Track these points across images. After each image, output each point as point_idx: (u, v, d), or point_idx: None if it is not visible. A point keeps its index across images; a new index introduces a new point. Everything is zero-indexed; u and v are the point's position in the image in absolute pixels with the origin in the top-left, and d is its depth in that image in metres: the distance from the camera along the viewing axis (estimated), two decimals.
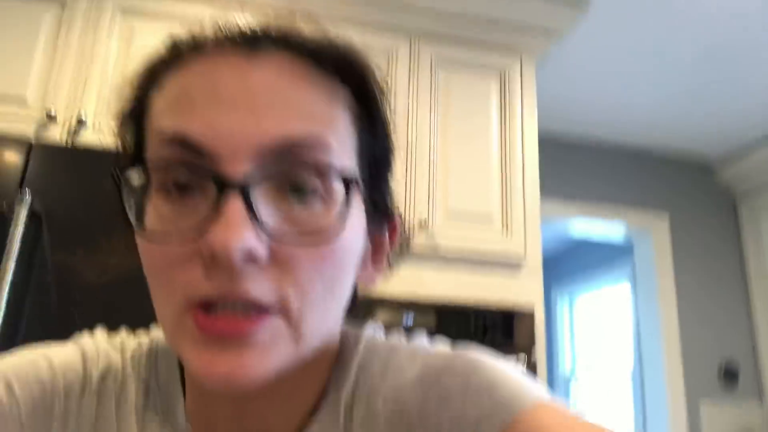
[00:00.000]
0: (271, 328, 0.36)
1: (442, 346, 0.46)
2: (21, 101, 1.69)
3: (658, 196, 3.10)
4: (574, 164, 3.05)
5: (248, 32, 0.41)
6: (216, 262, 0.34)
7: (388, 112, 0.45)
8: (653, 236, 3.03)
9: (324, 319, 0.39)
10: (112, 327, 0.52)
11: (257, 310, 0.35)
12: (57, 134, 1.66)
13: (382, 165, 0.46)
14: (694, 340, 2.93)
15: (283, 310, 0.36)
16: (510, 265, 1.88)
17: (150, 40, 1.79)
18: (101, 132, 1.66)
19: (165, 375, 0.47)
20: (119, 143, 0.45)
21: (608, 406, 3.98)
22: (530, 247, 1.89)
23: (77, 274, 1.33)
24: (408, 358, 0.44)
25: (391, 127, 0.46)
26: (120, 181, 0.38)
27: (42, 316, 1.34)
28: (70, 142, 1.64)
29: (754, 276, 3.00)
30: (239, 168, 0.36)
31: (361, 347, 0.46)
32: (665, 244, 3.03)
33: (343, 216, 0.38)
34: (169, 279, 0.37)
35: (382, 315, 1.71)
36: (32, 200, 1.37)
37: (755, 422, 2.85)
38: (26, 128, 1.65)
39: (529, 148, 2.00)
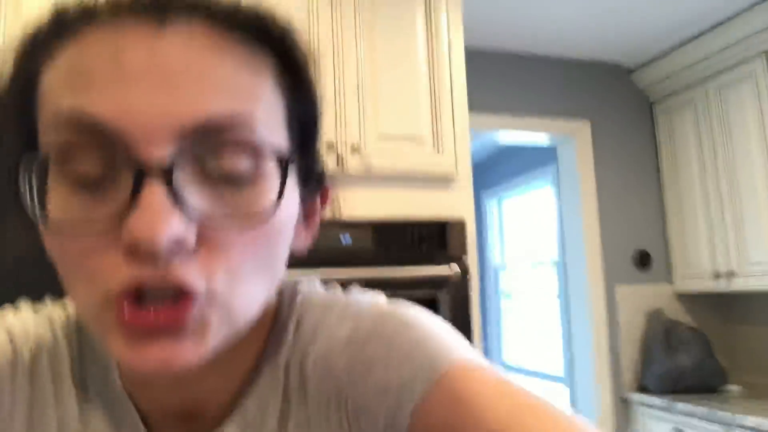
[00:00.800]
0: (202, 314, 0.34)
1: (375, 302, 0.46)
2: None
3: (579, 103, 3.23)
4: (499, 77, 3.11)
5: None
6: (139, 252, 0.31)
7: (314, 74, 0.42)
8: (576, 142, 3.19)
9: (259, 294, 0.37)
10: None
11: (186, 297, 0.33)
12: None
13: (312, 131, 0.43)
14: (612, 233, 3.19)
15: (211, 294, 0.34)
16: (442, 181, 1.97)
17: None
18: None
19: (98, 347, 0.44)
20: (4, 122, 0.39)
21: (534, 292, 4.32)
22: (460, 162, 1.98)
23: None
24: (338, 318, 0.44)
25: (318, 89, 0.43)
26: (12, 168, 0.34)
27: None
28: None
29: (666, 172, 3.25)
30: (158, 151, 0.32)
31: (297, 305, 0.46)
32: (587, 148, 3.21)
33: (279, 197, 0.35)
34: (86, 270, 0.33)
35: (319, 236, 1.78)
36: None
37: (664, 302, 3.20)
38: None
39: (456, 65, 2.03)
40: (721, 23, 2.82)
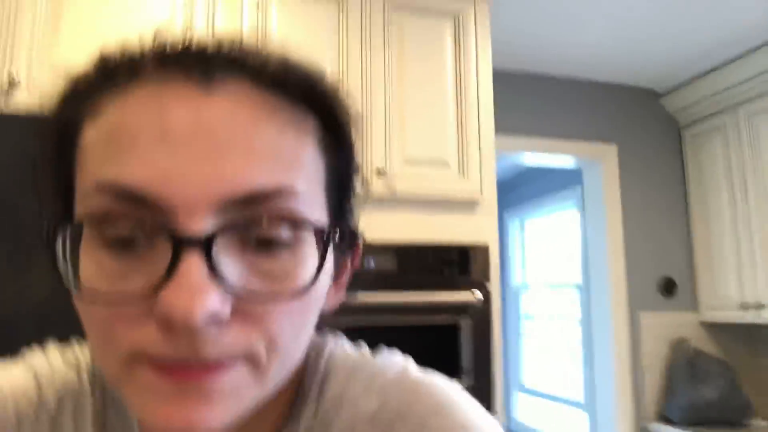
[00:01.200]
0: (236, 378, 0.33)
1: (403, 370, 0.44)
2: None
3: (607, 127, 3.20)
4: (526, 98, 3.10)
5: (199, 54, 0.35)
6: (173, 327, 0.30)
7: (354, 136, 0.41)
8: (602, 165, 3.16)
9: (292, 359, 0.37)
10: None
11: (221, 366, 0.32)
12: (21, 100, 1.57)
13: (348, 190, 0.43)
14: (637, 258, 3.14)
15: (250, 359, 0.33)
16: (466, 205, 1.96)
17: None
18: (37, 92, 1.59)
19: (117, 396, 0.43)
20: (41, 184, 0.38)
21: (555, 316, 4.26)
22: (485, 187, 1.97)
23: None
24: (365, 390, 0.42)
25: (356, 150, 0.42)
26: (47, 230, 0.33)
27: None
28: (3, 105, 1.57)
29: (694, 199, 3.20)
30: (197, 223, 0.31)
31: (321, 368, 0.44)
32: (614, 172, 3.17)
33: (318, 268, 0.35)
34: (115, 336, 0.32)
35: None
36: None
37: (689, 331, 3.13)
38: None
39: (483, 89, 2.03)
40: (752, 50, 2.78)
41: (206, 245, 0.31)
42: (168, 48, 0.35)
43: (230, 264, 0.32)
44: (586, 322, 3.57)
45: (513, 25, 2.63)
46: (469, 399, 0.42)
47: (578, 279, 3.80)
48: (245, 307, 0.32)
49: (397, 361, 0.46)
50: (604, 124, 3.20)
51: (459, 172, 1.96)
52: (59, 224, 0.33)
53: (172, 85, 0.33)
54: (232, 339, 0.32)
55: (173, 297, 0.30)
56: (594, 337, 3.24)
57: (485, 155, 1.99)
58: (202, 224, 0.31)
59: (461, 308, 1.86)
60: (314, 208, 0.36)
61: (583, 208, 3.47)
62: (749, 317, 2.82)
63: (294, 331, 0.35)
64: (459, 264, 1.89)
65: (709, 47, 2.83)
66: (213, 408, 0.32)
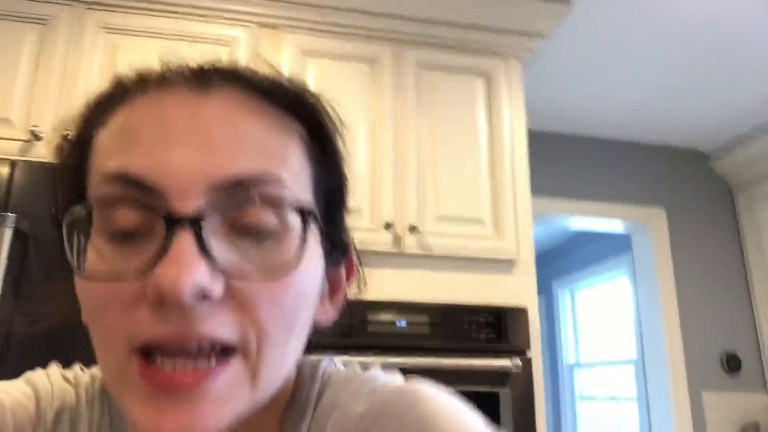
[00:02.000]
0: (230, 375, 0.33)
1: (392, 379, 0.44)
2: (5, 122, 1.69)
3: (654, 189, 3.09)
4: (570, 161, 3.04)
5: (197, 68, 0.40)
6: (164, 303, 0.31)
7: (342, 146, 0.43)
8: (651, 229, 3.03)
9: (284, 359, 0.37)
10: None
11: (218, 352, 0.33)
12: (43, 153, 1.65)
13: (337, 200, 0.44)
14: (695, 331, 2.92)
15: (244, 351, 0.34)
16: (502, 263, 1.87)
17: (133, 55, 1.79)
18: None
19: (117, 414, 0.45)
20: (59, 184, 0.42)
21: (612, 395, 3.98)
22: (522, 246, 1.89)
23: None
24: (354, 394, 0.42)
25: (346, 161, 0.44)
26: (61, 220, 0.36)
27: (33, 339, 1.34)
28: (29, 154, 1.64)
29: (754, 265, 2.99)
30: (188, 204, 0.33)
31: (316, 384, 0.44)
32: (663, 236, 3.02)
33: (301, 248, 0.36)
34: (112, 322, 0.34)
35: (374, 319, 1.71)
36: (18, 220, 1.37)
37: (759, 412, 2.84)
38: (11, 148, 1.65)
39: (518, 149, 1.99)
40: None
41: (196, 224, 0.33)
42: (170, 66, 0.40)
43: (219, 246, 0.34)
44: (643, 402, 3.30)
45: (549, 84, 2.62)
46: (452, 397, 0.41)
47: (633, 354, 3.56)
48: (236, 291, 0.34)
49: (387, 374, 0.45)
50: (650, 186, 3.09)
51: (494, 230, 1.89)
52: (70, 212, 0.36)
53: (172, 92, 0.38)
54: (224, 320, 0.33)
55: (162, 270, 0.31)
56: (653, 418, 2.98)
57: (521, 214, 1.92)
58: (192, 205, 0.34)
59: (501, 377, 1.73)
60: (299, 198, 0.38)
61: (634, 276, 3.30)
62: None
63: (283, 322, 0.36)
64: (496, 327, 1.78)
65: (753, 104, 2.74)
66: (205, 412, 0.32)
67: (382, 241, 1.77)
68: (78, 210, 0.36)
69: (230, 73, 0.39)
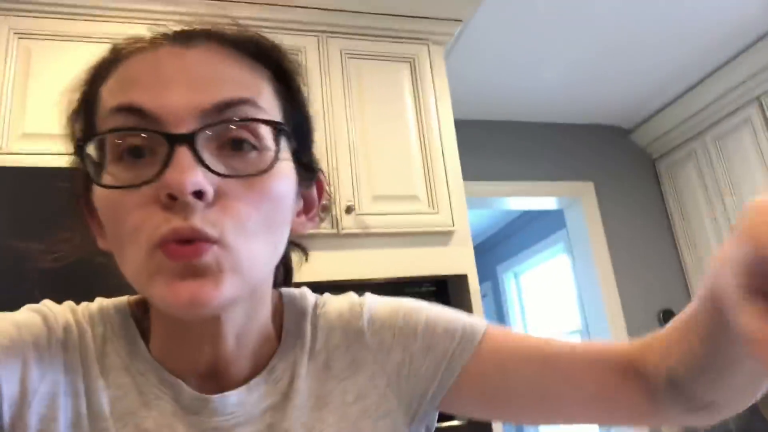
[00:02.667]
0: (213, 254, 0.42)
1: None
2: None
3: (582, 165, 3.25)
4: (500, 146, 3.16)
5: (181, 30, 0.49)
6: (171, 202, 0.41)
7: (303, 87, 0.53)
8: (582, 203, 3.18)
9: (258, 248, 0.45)
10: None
11: (203, 240, 0.42)
12: None
13: (305, 131, 0.54)
14: (632, 293, 3.08)
15: (221, 241, 0.42)
16: (440, 235, 1.94)
17: (47, 60, 1.77)
18: (12, 159, 1.63)
19: (120, 326, 0.52)
20: (69, 137, 0.51)
21: None
22: (457, 217, 1.97)
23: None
24: (339, 300, 0.60)
25: (307, 100, 0.54)
26: (79, 156, 0.45)
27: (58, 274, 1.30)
28: None
29: (679, 227, 3.19)
30: (184, 126, 0.43)
31: (307, 297, 0.60)
32: (594, 209, 3.18)
33: (275, 157, 0.45)
34: (131, 225, 0.43)
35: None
36: None
37: None
38: None
39: (445, 129, 2.07)
40: (709, 75, 2.88)
41: (191, 141, 0.42)
42: (159, 32, 0.49)
43: (210, 157, 0.43)
44: None
45: (474, 74, 2.73)
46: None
47: (578, 325, 3.70)
48: (222, 192, 0.43)
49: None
50: (578, 162, 3.25)
51: (429, 204, 1.96)
52: (86, 142, 0.45)
53: (163, 47, 0.47)
54: (211, 218, 0.42)
55: (169, 175, 0.41)
56: None
57: (453, 187, 2.00)
58: (187, 126, 0.43)
59: None
60: (272, 117, 0.47)
61: (571, 250, 3.44)
62: None
63: (260, 220, 0.45)
64: (439, 295, 1.84)
65: (665, 79, 2.93)
66: (206, 285, 0.42)
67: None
68: (93, 143, 0.45)
69: (208, 32, 0.49)
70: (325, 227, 1.82)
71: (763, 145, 2.65)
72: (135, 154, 0.43)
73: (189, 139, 0.42)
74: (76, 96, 0.50)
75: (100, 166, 0.45)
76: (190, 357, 0.50)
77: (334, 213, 1.84)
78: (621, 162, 3.33)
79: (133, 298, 0.55)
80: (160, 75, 0.45)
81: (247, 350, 0.52)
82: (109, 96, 0.46)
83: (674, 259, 3.20)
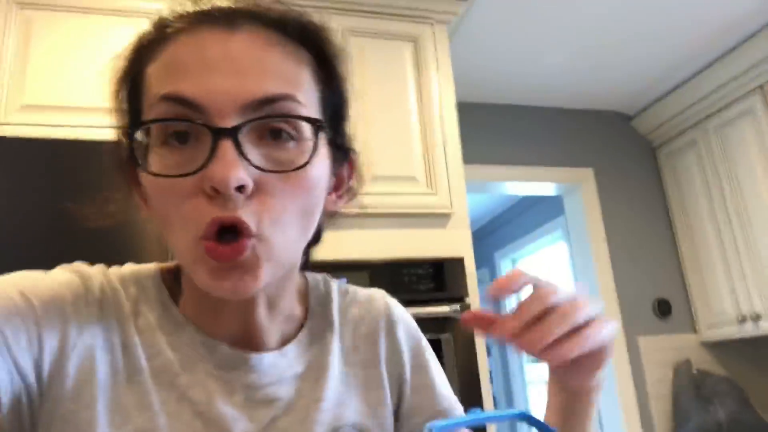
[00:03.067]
0: (252, 249, 0.45)
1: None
2: None
3: (582, 151, 3.24)
4: (501, 129, 3.15)
5: (224, 9, 0.50)
6: (215, 194, 0.44)
7: (343, 69, 0.55)
8: (581, 190, 3.17)
9: (293, 237, 0.49)
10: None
11: (242, 235, 0.45)
12: None
13: (340, 113, 0.56)
14: (627, 282, 3.08)
15: (258, 235, 0.45)
16: (437, 217, 1.94)
17: (48, 32, 1.76)
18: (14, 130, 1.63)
19: (152, 290, 0.55)
20: (117, 111, 0.53)
21: None
22: (456, 200, 1.96)
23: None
24: (353, 291, 0.67)
25: (346, 81, 0.56)
26: (128, 139, 0.48)
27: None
28: None
29: (677, 217, 3.18)
30: (228, 120, 0.45)
31: (332, 283, 0.65)
32: (593, 195, 3.17)
33: (313, 152, 0.48)
34: (182, 213, 0.46)
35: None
36: None
37: (690, 350, 3.03)
38: None
39: (447, 110, 2.06)
40: (712, 63, 2.86)
41: (234, 134, 0.44)
42: (203, 9, 0.50)
43: (252, 150, 0.45)
44: None
45: (477, 56, 2.71)
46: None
47: None
48: (261, 185, 0.45)
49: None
50: (578, 148, 3.24)
51: (427, 186, 1.95)
52: (135, 129, 0.48)
53: (207, 30, 0.48)
54: (252, 209, 0.45)
55: (214, 169, 0.43)
56: None
57: (453, 169, 1.99)
58: (231, 120, 0.45)
59: (441, 324, 1.80)
60: (311, 113, 0.49)
61: (568, 236, 3.45)
62: (748, 330, 2.74)
63: (295, 208, 0.47)
64: (435, 278, 1.85)
65: (668, 66, 2.91)
66: (245, 278, 0.46)
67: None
68: (141, 130, 0.48)
69: (251, 13, 0.50)
70: None
71: (766, 135, 2.64)
72: (180, 139, 0.46)
73: (232, 133, 0.44)
74: (121, 72, 0.52)
75: (146, 148, 0.48)
76: (224, 324, 0.54)
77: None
78: (621, 149, 3.32)
79: (163, 265, 0.58)
80: (206, 61, 0.46)
81: (276, 320, 0.56)
82: (156, 81, 0.48)
83: (671, 248, 3.21)
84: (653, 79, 3.02)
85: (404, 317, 0.67)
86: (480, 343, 1.85)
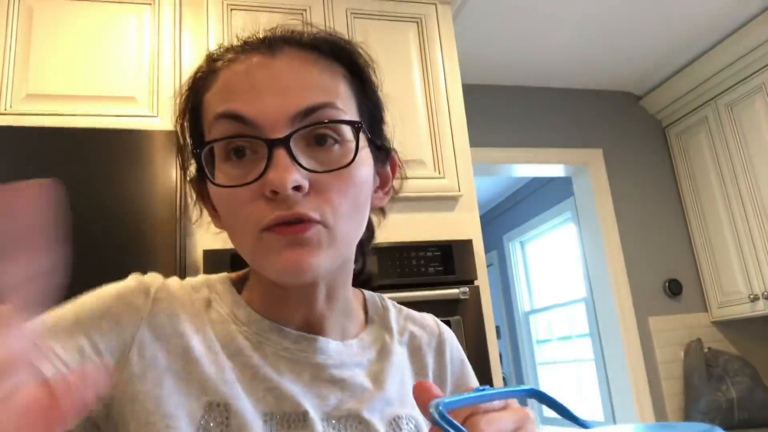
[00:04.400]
0: (317, 231, 0.50)
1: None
2: None
3: (591, 132, 3.21)
4: (508, 112, 3.12)
5: (265, 37, 0.56)
6: (274, 196, 0.49)
7: (375, 78, 0.60)
8: (590, 171, 3.14)
9: (350, 226, 0.54)
10: None
11: (308, 222, 0.50)
12: None
13: (377, 117, 0.61)
14: (638, 262, 3.07)
15: (323, 222, 0.51)
16: (446, 200, 1.93)
17: (50, 21, 1.75)
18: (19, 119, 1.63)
19: (224, 291, 0.60)
20: (180, 135, 0.60)
21: (567, 335, 4.13)
22: (463, 182, 1.95)
23: None
24: (429, 318, 0.72)
25: (379, 89, 0.61)
26: (195, 159, 0.55)
27: None
28: None
29: (688, 196, 3.15)
30: (279, 132, 0.50)
31: (383, 296, 0.70)
32: (602, 176, 3.15)
33: (356, 151, 0.53)
34: (243, 216, 0.51)
35: None
36: None
37: (701, 329, 3.02)
38: None
39: (453, 92, 2.04)
40: (722, 40, 2.81)
41: (286, 143, 0.50)
42: (246, 38, 0.57)
43: (302, 155, 0.51)
44: (596, 336, 3.45)
45: (482, 38, 2.68)
46: None
47: (583, 293, 3.71)
48: (315, 185, 0.51)
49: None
50: (587, 129, 3.21)
51: (435, 170, 1.94)
52: (201, 150, 0.53)
53: (253, 57, 0.55)
54: (311, 205, 0.50)
55: (272, 175, 0.49)
56: (605, 348, 3.12)
57: (460, 151, 1.98)
58: (281, 132, 0.51)
59: (450, 305, 1.79)
60: (351, 117, 0.55)
61: (577, 218, 3.42)
62: (760, 308, 2.72)
63: (349, 204, 0.53)
64: (444, 260, 1.84)
65: (677, 44, 2.86)
66: (308, 253, 0.50)
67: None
68: (204, 146, 0.53)
69: (289, 38, 0.56)
70: None
71: None
72: (239, 154, 0.51)
73: (284, 143, 0.50)
74: (181, 106, 0.59)
75: (212, 165, 0.53)
76: (288, 313, 0.58)
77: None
78: (631, 129, 3.28)
79: (233, 273, 0.64)
80: (254, 84, 0.52)
81: (336, 312, 0.60)
82: (213, 103, 0.54)
83: (682, 229, 3.18)
84: (662, 57, 2.98)
85: (452, 340, 0.71)
86: (489, 325, 1.84)
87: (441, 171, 1.94)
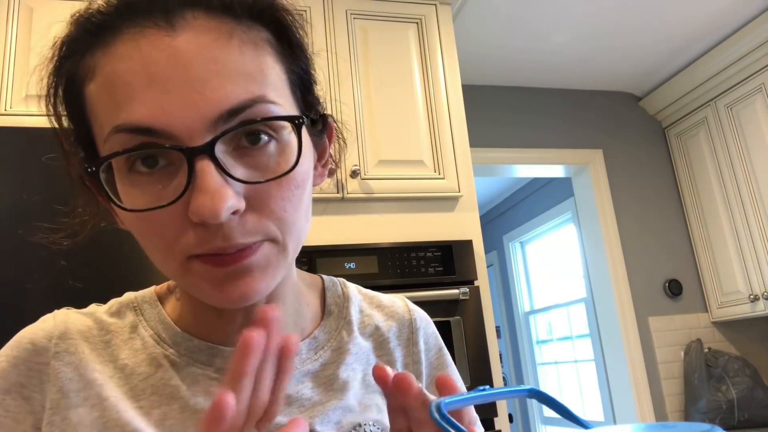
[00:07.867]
0: (263, 252, 0.42)
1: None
2: None
3: (591, 132, 3.21)
4: (508, 112, 3.12)
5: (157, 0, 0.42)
6: (206, 225, 0.40)
7: (302, 34, 0.48)
8: (590, 171, 3.15)
9: (298, 227, 0.45)
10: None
11: (249, 246, 0.41)
12: None
13: (309, 82, 0.50)
14: (638, 262, 3.07)
15: (270, 238, 0.43)
16: (446, 200, 1.93)
17: (50, 20, 1.75)
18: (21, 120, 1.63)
19: (149, 311, 0.54)
20: (58, 131, 0.47)
21: (566, 336, 4.13)
22: (463, 182, 1.95)
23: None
24: (364, 291, 0.65)
25: (306, 44, 0.50)
26: (87, 175, 0.42)
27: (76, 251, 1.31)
28: None
29: (688, 197, 3.15)
30: (199, 139, 0.39)
31: (348, 283, 0.63)
32: (602, 177, 3.15)
33: (298, 152, 0.43)
34: (164, 241, 0.42)
35: (323, 263, 1.74)
36: None
37: (701, 330, 3.02)
38: None
39: (452, 92, 2.04)
40: (722, 40, 2.81)
41: (210, 152, 0.39)
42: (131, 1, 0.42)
43: (233, 165, 0.40)
44: (596, 336, 3.45)
45: (482, 38, 2.68)
46: None
47: (583, 293, 3.71)
48: (253, 200, 0.41)
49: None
50: (587, 130, 3.21)
51: (435, 169, 1.94)
52: (94, 167, 0.41)
53: (145, 33, 0.40)
54: (252, 226, 0.41)
55: (199, 203, 0.38)
56: (605, 349, 3.12)
57: (460, 152, 1.98)
58: (202, 137, 0.39)
59: (450, 305, 1.79)
60: (285, 107, 0.44)
61: (577, 218, 3.42)
62: (760, 308, 2.72)
63: (294, 207, 0.44)
64: (444, 261, 1.84)
65: (677, 44, 2.86)
66: (255, 280, 0.42)
67: (325, 188, 1.80)
68: (100, 162, 0.41)
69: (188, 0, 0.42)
70: (330, 192, 1.81)
71: None
72: (147, 163, 0.40)
73: (208, 151, 0.39)
74: (51, 82, 0.45)
75: (112, 183, 0.42)
76: (223, 328, 0.51)
77: (339, 177, 1.83)
78: (630, 129, 3.28)
79: (161, 286, 0.57)
80: (154, 76, 0.39)
81: (282, 314, 0.52)
82: (103, 109, 0.41)
83: (682, 229, 3.18)
84: (662, 58, 2.98)
85: (426, 327, 0.64)
86: (490, 325, 1.84)
87: (441, 171, 1.94)
